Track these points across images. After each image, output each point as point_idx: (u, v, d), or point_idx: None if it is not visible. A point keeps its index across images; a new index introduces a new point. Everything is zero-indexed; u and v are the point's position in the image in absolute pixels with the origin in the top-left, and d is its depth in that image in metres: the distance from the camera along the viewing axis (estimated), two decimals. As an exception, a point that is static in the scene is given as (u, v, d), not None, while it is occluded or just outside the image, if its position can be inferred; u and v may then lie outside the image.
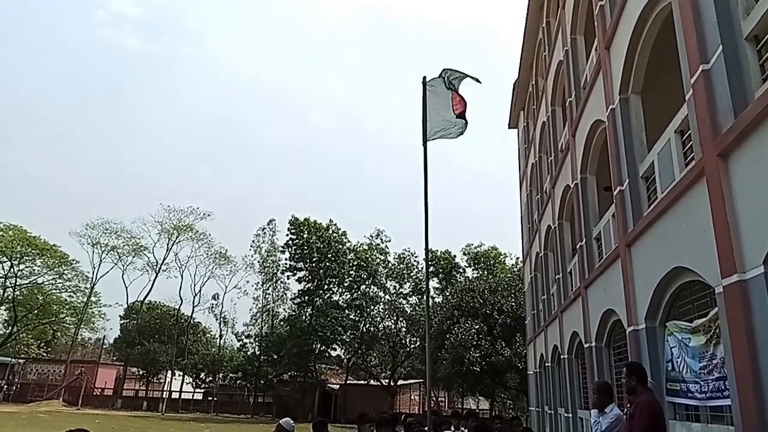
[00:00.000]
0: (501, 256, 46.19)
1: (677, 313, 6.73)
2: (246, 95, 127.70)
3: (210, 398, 48.92)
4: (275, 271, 49.37)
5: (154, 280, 52.67)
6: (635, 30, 7.74)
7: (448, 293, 39.05)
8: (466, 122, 7.83)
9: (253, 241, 50.51)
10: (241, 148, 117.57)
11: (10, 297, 46.06)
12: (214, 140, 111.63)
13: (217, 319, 51.77)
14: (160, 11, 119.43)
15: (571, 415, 13.32)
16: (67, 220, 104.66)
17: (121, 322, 55.80)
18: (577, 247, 12.32)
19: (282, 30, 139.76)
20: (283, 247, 47.72)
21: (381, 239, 47.39)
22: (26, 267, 47.31)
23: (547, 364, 17.40)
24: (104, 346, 58.26)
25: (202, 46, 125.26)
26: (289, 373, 45.95)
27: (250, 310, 51.43)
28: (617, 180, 8.61)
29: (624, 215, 8.28)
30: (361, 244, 47.40)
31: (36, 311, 48.41)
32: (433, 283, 46.39)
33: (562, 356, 14.57)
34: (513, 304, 31.27)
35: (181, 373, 49.52)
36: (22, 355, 50.85)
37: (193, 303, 51.74)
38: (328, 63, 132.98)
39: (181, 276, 52.74)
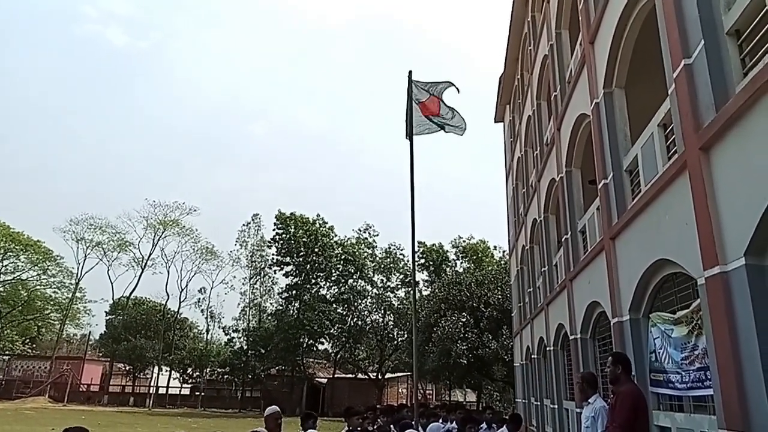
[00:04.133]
0: (489, 250, 46.36)
1: (660, 305, 6.82)
2: (235, 91, 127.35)
3: (197, 393, 48.77)
4: (263, 265, 49.28)
5: (140, 276, 52.40)
6: (619, 25, 7.79)
7: (435, 286, 39.19)
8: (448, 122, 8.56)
9: (238, 237, 50.48)
10: (231, 144, 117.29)
11: (-7, 293, 45.63)
12: (204, 136, 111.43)
13: (203, 314, 51.64)
14: (148, 7, 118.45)
15: (556, 406, 13.45)
16: (52, 216, 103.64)
17: (107, 317, 55.48)
18: (563, 240, 12.40)
19: (272, 26, 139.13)
20: (270, 241, 47.62)
21: (369, 233, 47.46)
22: (10, 263, 46.91)
23: (533, 356, 17.53)
24: (90, 342, 57.92)
25: (191, 42, 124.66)
26: (277, 368, 45.95)
27: (238, 305, 51.34)
28: (601, 173, 8.67)
29: (608, 208, 8.36)
30: (349, 238, 47.42)
31: (20, 307, 47.98)
32: (424, 275, 46.54)
33: (548, 348, 14.68)
34: (499, 296, 31.43)
35: (168, 369, 49.31)
36: (7, 352, 50.41)
37: (180, 298, 51.58)
38: (318, 59, 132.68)
39: (168, 271, 52.52)
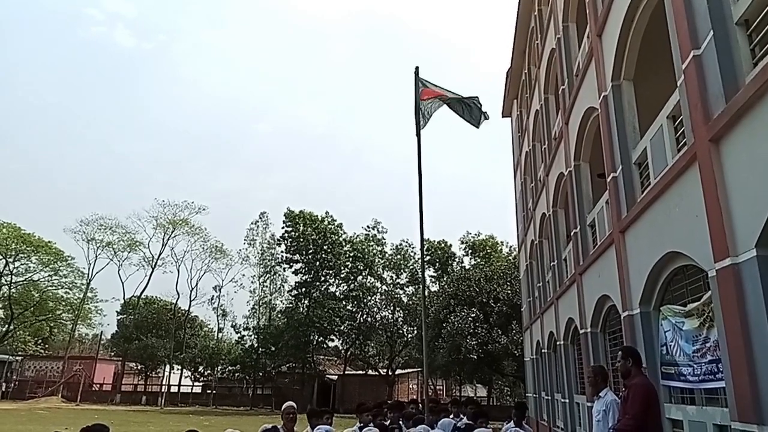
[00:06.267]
0: (498, 245, 46.30)
1: (671, 298, 6.79)
2: (239, 91, 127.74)
3: (209, 391, 49.03)
4: (272, 263, 49.39)
5: (151, 275, 52.66)
6: (626, 17, 7.75)
7: (444, 282, 39.16)
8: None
9: (246, 235, 50.61)
10: (235, 144, 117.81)
11: (5, 295, 45.94)
12: (208, 136, 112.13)
13: (216, 312, 51.84)
14: (152, 9, 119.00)
15: (567, 400, 13.43)
16: (62, 217, 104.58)
17: (119, 317, 55.84)
18: (572, 234, 12.37)
19: (273, 25, 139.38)
20: (279, 239, 47.73)
21: (378, 230, 47.49)
22: (21, 264, 47.24)
23: (543, 351, 17.51)
24: (102, 342, 58.30)
25: (194, 43, 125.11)
26: (288, 365, 46.06)
27: (247, 302, 51.47)
28: (610, 167, 8.64)
29: (617, 202, 8.32)
30: (358, 235, 47.44)
31: (32, 308, 48.32)
32: (430, 272, 46.49)
33: (558, 342, 14.66)
34: (509, 291, 31.39)
35: (180, 367, 49.57)
36: (20, 353, 50.85)
37: (190, 297, 51.78)
38: (319, 57, 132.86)
39: (178, 270, 52.76)
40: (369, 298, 44.75)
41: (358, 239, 46.93)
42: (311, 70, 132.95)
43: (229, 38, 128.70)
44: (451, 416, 8.98)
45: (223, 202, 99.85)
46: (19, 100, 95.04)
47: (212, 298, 51.63)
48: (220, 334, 53.35)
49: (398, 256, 46.15)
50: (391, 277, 46.15)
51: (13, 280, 46.58)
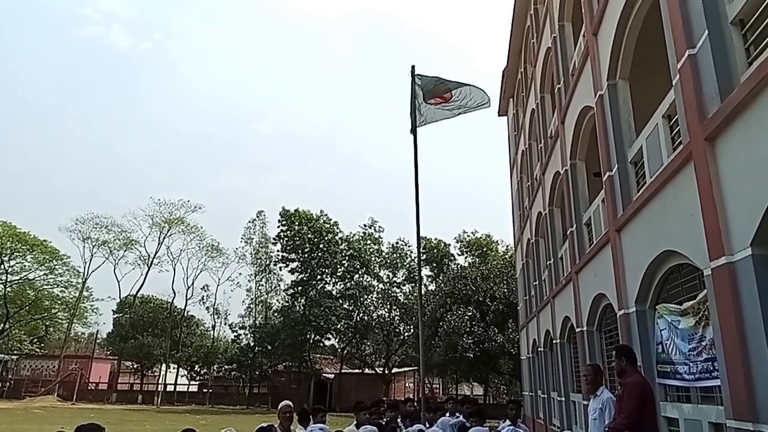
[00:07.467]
0: (494, 244, 46.33)
1: (667, 296, 6.81)
2: (239, 91, 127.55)
3: (205, 390, 48.93)
4: (268, 262, 49.28)
5: (146, 274, 52.43)
6: (622, 16, 7.76)
7: (440, 281, 39.16)
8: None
9: (243, 234, 50.50)
10: (235, 144, 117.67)
11: (1, 293, 45.75)
12: (208, 136, 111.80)
13: (209, 311, 51.71)
14: (150, 9, 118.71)
15: (563, 398, 13.46)
16: (58, 216, 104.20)
17: (114, 316, 55.62)
18: (568, 232, 12.39)
19: (272, 25, 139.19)
20: (274, 238, 47.63)
21: (375, 229, 47.42)
22: (17, 263, 47.03)
23: (539, 349, 17.54)
24: (98, 341, 58.13)
25: (193, 43, 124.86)
26: (284, 364, 46.00)
27: (243, 301, 51.31)
28: (606, 165, 8.66)
29: (613, 200, 8.34)
30: (354, 234, 47.38)
31: (27, 307, 48.14)
32: (426, 271, 46.51)
33: (554, 341, 14.68)
34: (505, 290, 31.44)
35: (176, 366, 49.46)
36: (15, 351, 50.66)
37: (186, 296, 51.60)
38: (321, 57, 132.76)
39: (174, 269, 52.67)
40: (365, 296, 44.70)
41: (354, 238, 46.86)
42: (311, 70, 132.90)
43: (228, 38, 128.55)
44: (447, 414, 9.00)
45: (223, 202, 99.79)
46: (19, 101, 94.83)
47: (203, 298, 51.52)
48: (215, 333, 53.25)
49: (395, 255, 46.11)
50: (388, 275, 46.12)
51: (8, 279, 46.42)
